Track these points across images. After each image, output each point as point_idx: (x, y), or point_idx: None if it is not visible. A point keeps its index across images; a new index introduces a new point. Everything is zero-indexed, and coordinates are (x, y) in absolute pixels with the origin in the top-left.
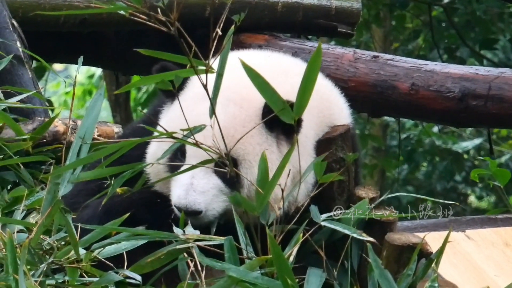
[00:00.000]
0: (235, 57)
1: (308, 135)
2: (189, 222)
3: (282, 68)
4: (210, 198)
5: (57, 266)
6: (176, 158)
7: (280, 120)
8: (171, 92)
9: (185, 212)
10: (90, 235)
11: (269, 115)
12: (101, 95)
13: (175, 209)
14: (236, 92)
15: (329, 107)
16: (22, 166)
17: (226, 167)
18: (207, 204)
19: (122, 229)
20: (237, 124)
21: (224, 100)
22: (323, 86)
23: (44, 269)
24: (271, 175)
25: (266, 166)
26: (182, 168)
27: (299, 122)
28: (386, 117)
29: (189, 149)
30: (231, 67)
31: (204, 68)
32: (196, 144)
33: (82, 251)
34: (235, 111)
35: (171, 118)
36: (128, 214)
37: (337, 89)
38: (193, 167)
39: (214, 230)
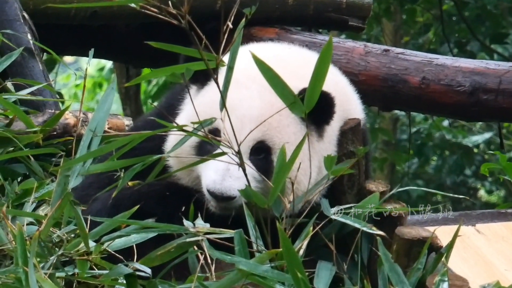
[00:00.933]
0: (267, 48)
1: (334, 128)
2: (199, 215)
3: (305, 60)
4: (244, 183)
5: (67, 259)
6: (207, 143)
7: (312, 111)
8: (204, 77)
9: (218, 198)
10: (100, 227)
11: None
12: (113, 89)
13: (206, 193)
14: None
15: (347, 102)
16: (32, 158)
17: (260, 155)
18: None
19: (132, 221)
20: (274, 112)
21: (259, 88)
22: (341, 81)
23: (54, 261)
24: (298, 165)
25: (284, 159)
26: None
27: (332, 114)
28: (396, 111)
29: (224, 134)
30: (265, 57)
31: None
32: (207, 138)
33: (91, 244)
34: (271, 99)
35: (202, 103)
36: (137, 207)
37: (351, 86)
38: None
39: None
